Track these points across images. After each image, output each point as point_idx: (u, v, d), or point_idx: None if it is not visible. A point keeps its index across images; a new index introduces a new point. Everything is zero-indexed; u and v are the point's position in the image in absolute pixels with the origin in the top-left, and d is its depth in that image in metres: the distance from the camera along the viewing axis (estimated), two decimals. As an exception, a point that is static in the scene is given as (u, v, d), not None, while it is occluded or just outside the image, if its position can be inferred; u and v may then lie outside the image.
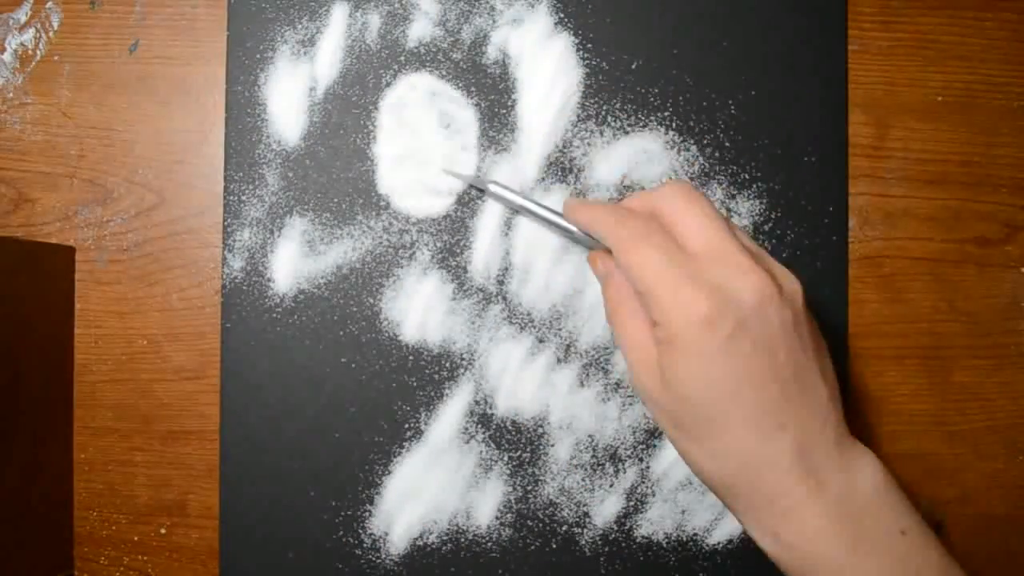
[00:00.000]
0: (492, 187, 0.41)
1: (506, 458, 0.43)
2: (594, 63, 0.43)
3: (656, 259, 0.30)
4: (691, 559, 0.42)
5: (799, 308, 0.30)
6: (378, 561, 0.42)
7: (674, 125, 0.43)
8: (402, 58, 0.43)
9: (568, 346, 0.43)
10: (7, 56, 0.43)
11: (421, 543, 0.42)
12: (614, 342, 0.33)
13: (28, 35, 0.43)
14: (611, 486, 0.43)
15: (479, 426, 0.42)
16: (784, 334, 0.30)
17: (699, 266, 0.30)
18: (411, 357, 0.42)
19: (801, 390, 0.30)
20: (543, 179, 0.43)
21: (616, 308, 0.33)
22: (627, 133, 0.43)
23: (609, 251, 0.33)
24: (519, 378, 0.43)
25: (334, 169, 0.43)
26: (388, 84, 0.43)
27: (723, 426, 0.30)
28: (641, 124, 0.43)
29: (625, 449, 0.43)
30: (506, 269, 0.43)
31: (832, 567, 0.29)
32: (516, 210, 0.41)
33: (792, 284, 0.31)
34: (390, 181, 0.43)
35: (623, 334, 0.33)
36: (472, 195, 0.43)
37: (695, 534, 0.43)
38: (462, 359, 0.42)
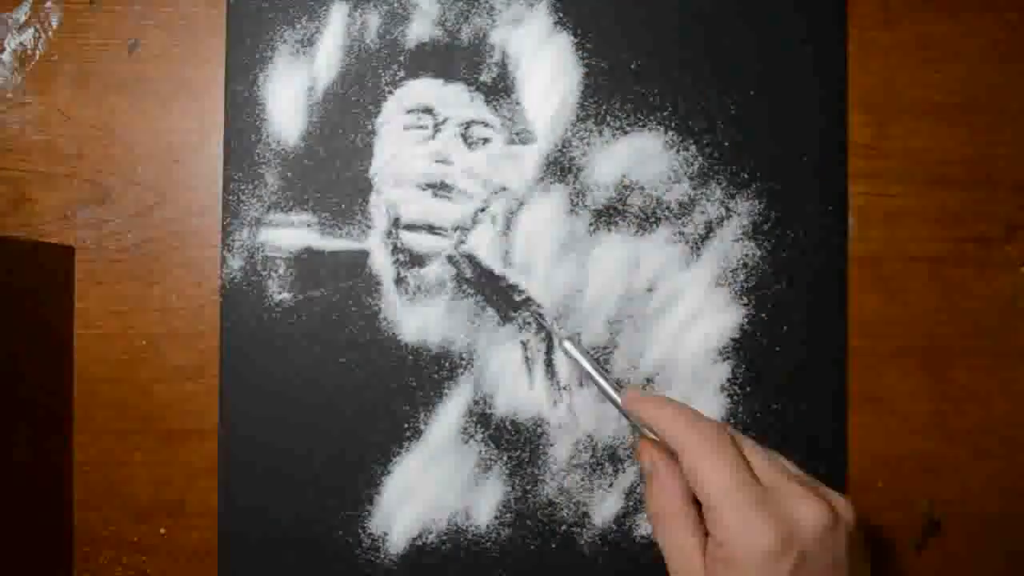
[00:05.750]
0: (567, 345, 0.41)
1: (505, 458, 0.43)
2: (594, 63, 0.43)
3: (728, 474, 0.30)
4: (690, 559, 0.42)
5: (853, 535, 0.31)
6: (377, 561, 0.42)
7: (674, 125, 0.43)
8: (401, 58, 0.43)
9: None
10: (6, 56, 0.43)
11: (420, 543, 0.42)
12: (655, 539, 0.33)
13: (27, 35, 0.43)
14: (610, 486, 0.43)
15: (478, 426, 0.42)
16: (839, 567, 0.30)
17: (764, 491, 0.30)
18: (410, 357, 0.42)
19: None
20: (543, 178, 0.43)
21: (663, 512, 0.33)
22: (626, 132, 0.43)
23: (656, 443, 0.34)
24: (518, 378, 0.43)
25: (334, 169, 0.43)
26: (388, 84, 0.43)
27: None
28: (640, 124, 0.43)
29: (624, 449, 0.43)
30: (505, 269, 0.43)
31: None
32: (581, 374, 0.42)
33: (847, 511, 0.31)
34: (389, 181, 0.43)
35: (670, 541, 0.32)
36: (471, 197, 0.43)
37: (694, 534, 0.43)
38: (461, 359, 0.42)
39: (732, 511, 0.30)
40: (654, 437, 0.35)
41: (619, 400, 0.37)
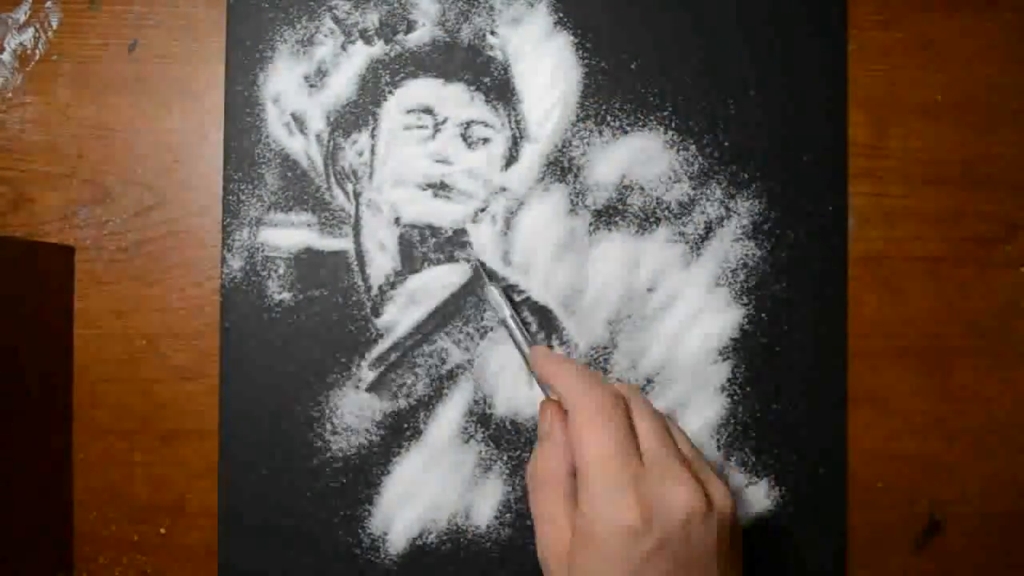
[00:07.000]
0: (489, 287, 0.41)
1: (505, 458, 0.43)
2: (593, 63, 0.43)
3: (606, 444, 0.30)
4: (690, 559, 0.42)
5: (725, 525, 0.30)
6: (377, 561, 0.42)
7: (673, 124, 0.43)
8: (401, 58, 0.43)
9: (567, 346, 0.43)
10: (6, 56, 0.43)
11: (420, 543, 0.42)
12: (529, 503, 0.33)
13: (27, 35, 0.43)
14: (610, 486, 0.43)
15: (478, 426, 0.42)
16: (705, 554, 0.29)
17: (639, 468, 0.30)
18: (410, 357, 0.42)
19: None
20: (542, 178, 0.43)
21: (544, 477, 0.32)
22: (626, 132, 0.43)
23: (559, 406, 0.33)
24: (518, 378, 0.43)
25: (334, 170, 0.42)
26: (388, 84, 0.43)
27: None
28: (640, 123, 0.43)
29: (624, 449, 0.43)
30: (505, 269, 0.43)
31: None
32: (499, 318, 0.41)
33: (723, 500, 0.30)
34: (389, 181, 0.43)
35: (543, 509, 0.32)
36: (471, 197, 0.43)
37: (694, 534, 0.43)
38: (461, 359, 0.42)
39: (601, 483, 0.29)
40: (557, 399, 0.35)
41: (528, 356, 0.37)
